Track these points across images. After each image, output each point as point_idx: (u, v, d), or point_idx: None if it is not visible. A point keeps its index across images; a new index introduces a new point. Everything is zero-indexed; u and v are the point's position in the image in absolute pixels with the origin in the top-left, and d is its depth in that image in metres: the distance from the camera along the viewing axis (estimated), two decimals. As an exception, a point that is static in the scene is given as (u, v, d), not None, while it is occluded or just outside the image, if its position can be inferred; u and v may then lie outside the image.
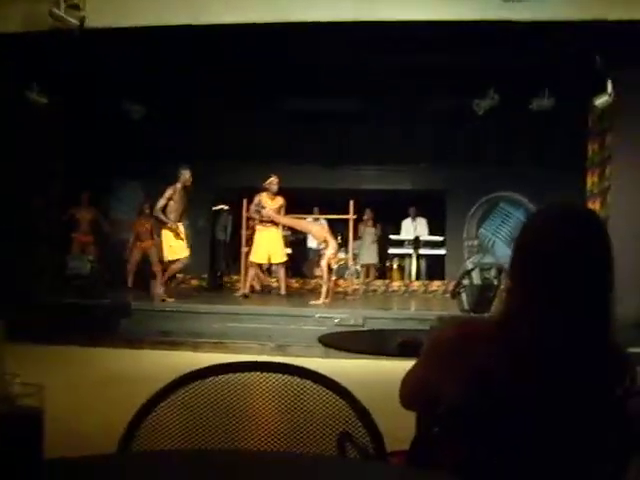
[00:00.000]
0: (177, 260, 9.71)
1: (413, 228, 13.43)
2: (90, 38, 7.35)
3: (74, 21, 6.99)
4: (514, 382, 1.30)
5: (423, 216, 13.54)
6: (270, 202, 10.34)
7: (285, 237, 11.24)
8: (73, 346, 7.32)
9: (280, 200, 10.44)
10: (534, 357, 1.31)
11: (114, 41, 7.77)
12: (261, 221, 10.39)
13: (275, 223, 10.49)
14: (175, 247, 9.64)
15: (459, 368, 1.35)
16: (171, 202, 9.56)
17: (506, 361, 1.31)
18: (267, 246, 10.41)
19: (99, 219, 11.75)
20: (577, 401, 1.30)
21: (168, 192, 9.54)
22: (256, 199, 10.37)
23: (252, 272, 10.73)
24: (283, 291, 10.75)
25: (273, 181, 10.28)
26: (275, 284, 11.49)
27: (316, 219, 12.33)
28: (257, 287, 11.37)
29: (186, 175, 9.67)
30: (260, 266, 11.21)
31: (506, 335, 1.34)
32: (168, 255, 9.71)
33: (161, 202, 9.55)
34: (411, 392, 1.56)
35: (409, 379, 1.56)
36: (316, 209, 12.87)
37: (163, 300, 9.58)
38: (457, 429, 1.34)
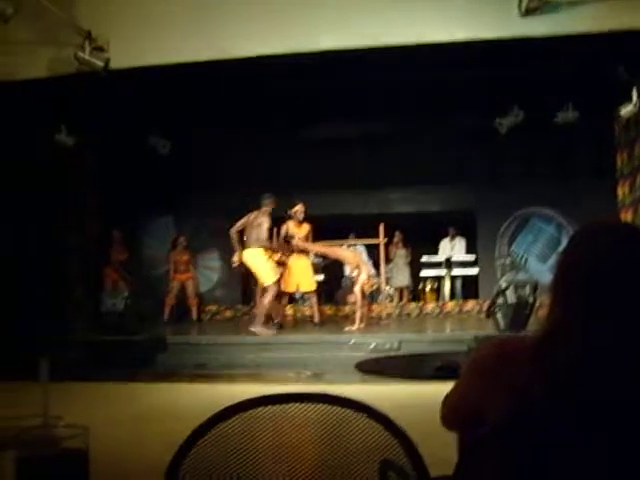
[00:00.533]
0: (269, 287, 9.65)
1: (451, 247, 13.36)
2: (115, 78, 7.48)
3: (99, 63, 7.12)
4: (555, 399, 1.28)
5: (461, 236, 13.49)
6: (297, 230, 10.33)
7: (314, 264, 11.21)
8: (110, 382, 7.36)
9: (307, 227, 10.43)
10: (578, 373, 1.29)
11: (138, 79, 7.91)
12: (290, 250, 10.41)
13: (304, 251, 10.49)
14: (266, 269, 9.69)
15: (500, 386, 1.34)
16: (265, 226, 9.64)
17: (548, 378, 1.30)
18: (296, 275, 10.38)
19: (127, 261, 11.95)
20: (627, 417, 1.27)
21: (262, 219, 9.66)
22: (283, 228, 10.38)
23: (285, 301, 10.71)
24: (317, 319, 10.72)
25: (299, 209, 10.27)
26: (308, 312, 11.45)
27: (349, 245, 12.29)
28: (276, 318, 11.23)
29: (272, 202, 9.82)
30: (291, 294, 11.18)
31: (548, 352, 1.33)
32: (265, 280, 9.75)
33: (238, 224, 9.78)
34: (452, 412, 1.55)
35: (450, 399, 1.56)
36: (352, 235, 12.87)
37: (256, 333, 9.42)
38: (501, 448, 1.32)
